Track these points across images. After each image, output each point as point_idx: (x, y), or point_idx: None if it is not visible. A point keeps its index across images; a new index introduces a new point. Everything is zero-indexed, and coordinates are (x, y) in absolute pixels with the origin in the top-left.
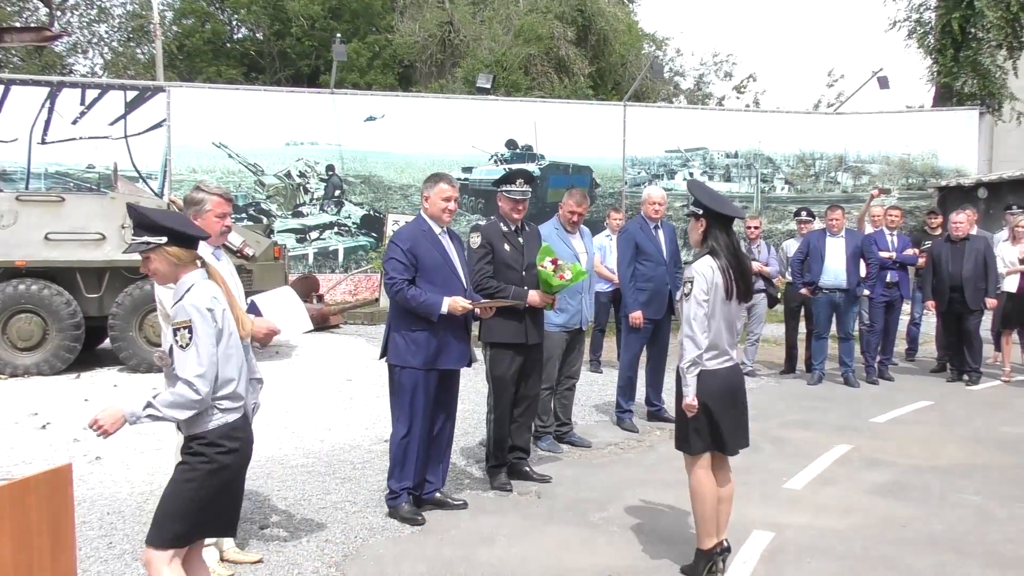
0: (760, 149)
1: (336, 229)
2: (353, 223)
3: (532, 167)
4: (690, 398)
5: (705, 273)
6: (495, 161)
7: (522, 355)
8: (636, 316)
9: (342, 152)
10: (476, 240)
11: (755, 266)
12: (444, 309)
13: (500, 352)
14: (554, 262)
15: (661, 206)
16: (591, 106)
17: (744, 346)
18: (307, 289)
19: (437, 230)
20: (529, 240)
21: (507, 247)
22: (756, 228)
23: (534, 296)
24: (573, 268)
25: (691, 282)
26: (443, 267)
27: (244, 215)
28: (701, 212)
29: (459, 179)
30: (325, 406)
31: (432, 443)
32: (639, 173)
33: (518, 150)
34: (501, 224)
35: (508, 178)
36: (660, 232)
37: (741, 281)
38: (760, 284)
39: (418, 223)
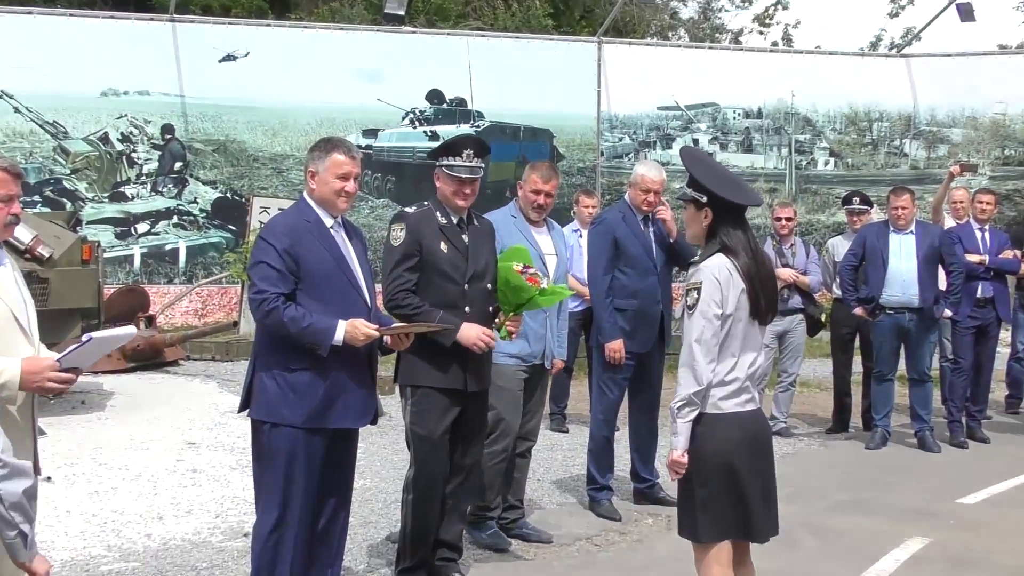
0: (794, 105)
1: (176, 219)
2: (201, 211)
3: (464, 129)
4: (679, 451)
5: (719, 276)
6: (411, 121)
7: (459, 405)
8: (614, 347)
9: (185, 105)
10: (399, 235)
11: (786, 274)
12: (339, 337)
13: (426, 400)
14: (526, 268)
15: (658, 195)
16: (551, 43)
17: (773, 392)
18: (130, 307)
19: (328, 222)
20: (478, 239)
21: (444, 247)
22: (788, 221)
23: (471, 333)
24: (551, 286)
25: (698, 289)
26: (337, 276)
27: (38, 197)
28: (704, 199)
29: (360, 147)
30: (155, 483)
31: (318, 539)
32: (620, 140)
33: (445, 105)
34: (438, 214)
35: (451, 148)
36: (650, 227)
37: (763, 293)
38: (795, 301)
39: (300, 211)
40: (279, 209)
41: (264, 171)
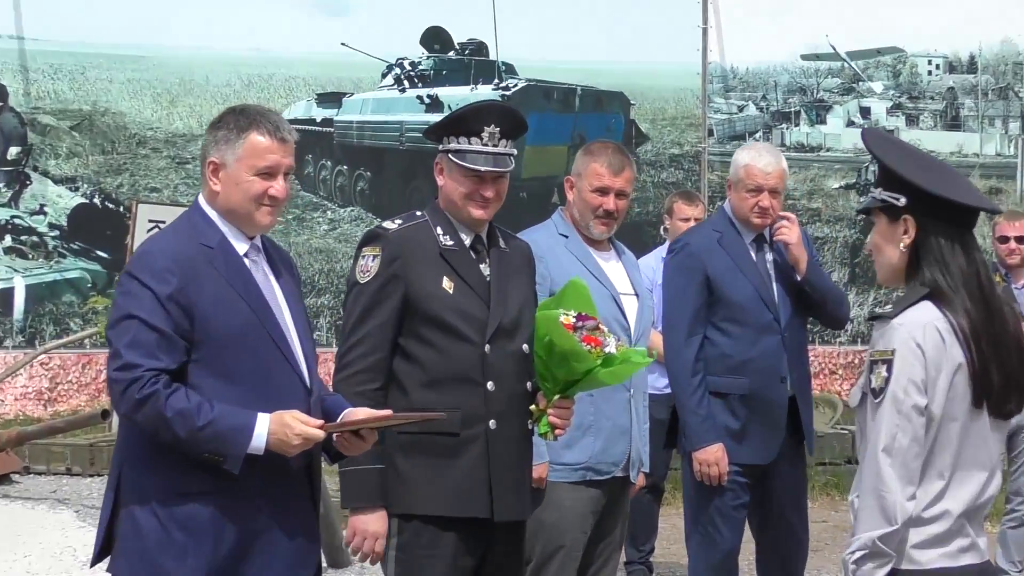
0: None
1: (8, 241)
2: (52, 227)
3: (484, 92)
4: None
5: (924, 342)
6: (397, 80)
7: (480, 547)
8: (708, 457)
9: (25, 53)
10: (369, 266)
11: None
12: (259, 442)
13: (422, 539)
14: (584, 318)
15: (775, 195)
16: None
17: (999, 528)
18: None
19: (242, 247)
20: (507, 271)
21: (448, 285)
22: (1021, 242)
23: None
24: (623, 349)
25: (888, 363)
26: (256, 337)
27: None
28: (903, 201)
29: (311, 123)
30: None
31: None
32: (741, 109)
33: (453, 54)
34: (438, 231)
35: (462, 123)
36: (767, 254)
37: (998, 368)
38: None
39: (193, 229)
40: (154, 222)
41: (155, 161)
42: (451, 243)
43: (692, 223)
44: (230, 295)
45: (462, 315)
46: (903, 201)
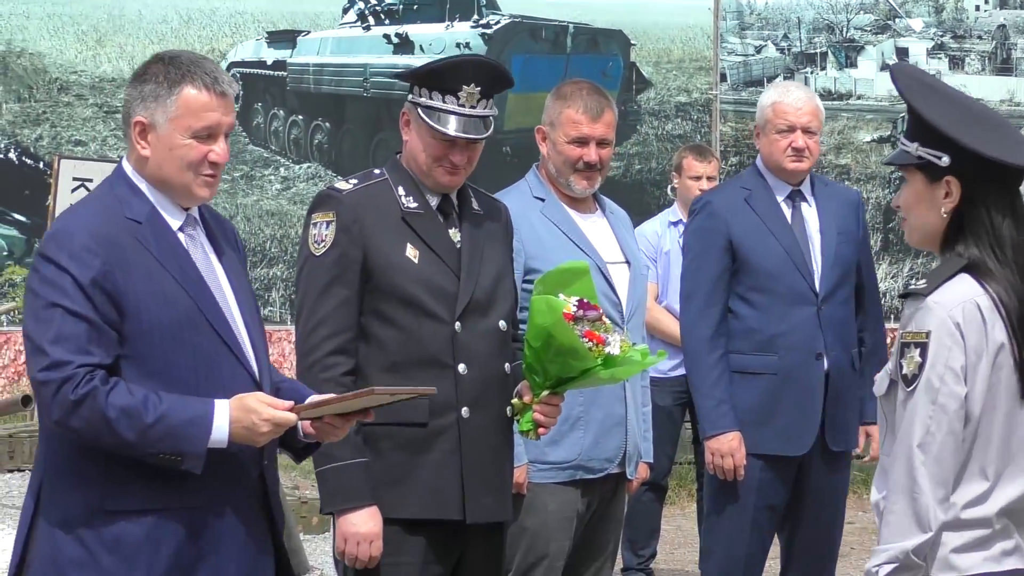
0: None
1: None
2: None
3: (461, 34)
4: None
5: (964, 322)
6: (360, 16)
7: (452, 552)
8: (723, 447)
9: None
10: (323, 234)
11: None
12: (220, 432)
13: (389, 544)
14: (587, 307)
15: (810, 135)
16: None
17: None
18: None
19: (175, 220)
20: (481, 238)
21: (412, 253)
22: None
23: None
24: (626, 347)
25: (922, 346)
26: (195, 326)
27: None
28: (945, 161)
29: (251, 65)
30: None
31: None
32: (759, 50)
33: None
34: (400, 192)
35: (438, 76)
36: (805, 210)
37: None
38: None
39: (117, 200)
40: (79, 180)
41: (80, 110)
42: (415, 205)
43: (704, 182)
44: (163, 279)
45: (429, 288)
46: (946, 160)
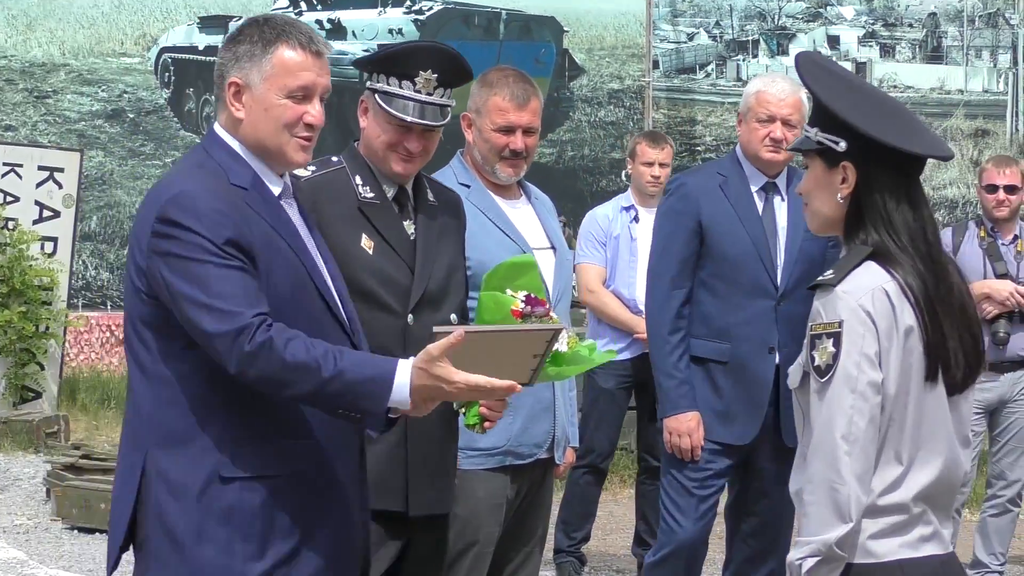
0: None
1: None
2: None
3: (393, 16)
4: None
5: (872, 311)
6: (293, 1)
7: (395, 544)
8: (680, 426)
9: None
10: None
11: (1003, 291)
12: (402, 394)
13: None
14: (534, 303)
15: (790, 128)
16: None
17: (979, 516)
18: None
19: (276, 187)
20: (434, 229)
21: (367, 244)
22: (1012, 192)
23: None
24: (574, 343)
25: (834, 336)
26: (309, 295)
27: None
28: (843, 146)
29: (182, 50)
30: None
31: None
32: (692, 37)
33: None
34: (357, 181)
35: (396, 62)
36: (777, 203)
37: (952, 334)
38: (1021, 343)
39: (221, 165)
40: (46, 170)
41: (10, 95)
42: (371, 195)
43: (657, 168)
44: (279, 244)
45: (383, 280)
46: (843, 146)
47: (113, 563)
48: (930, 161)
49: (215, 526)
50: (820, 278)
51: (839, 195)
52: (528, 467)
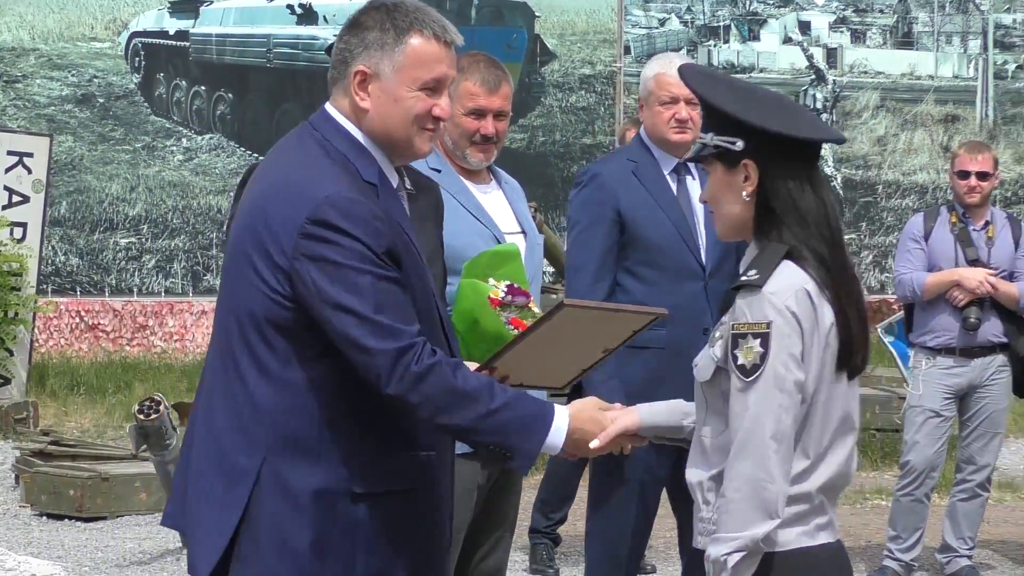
0: None
1: None
2: None
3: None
4: None
5: (798, 312)
6: None
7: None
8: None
9: None
10: None
11: (975, 278)
12: (558, 438)
13: None
14: (516, 292)
15: (693, 106)
16: None
17: (948, 501)
18: None
19: (393, 180)
20: (415, 214)
21: None
22: (983, 179)
23: None
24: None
25: (762, 336)
26: (430, 293)
27: None
28: (740, 145)
29: (152, 35)
30: None
31: None
32: (663, 23)
33: None
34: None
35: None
36: (690, 183)
37: (855, 324)
38: (992, 329)
39: (347, 155)
40: (15, 155)
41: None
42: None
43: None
44: (411, 249)
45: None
46: (740, 145)
47: (209, 571)
48: (896, 148)
49: (340, 540)
50: (744, 278)
51: (744, 193)
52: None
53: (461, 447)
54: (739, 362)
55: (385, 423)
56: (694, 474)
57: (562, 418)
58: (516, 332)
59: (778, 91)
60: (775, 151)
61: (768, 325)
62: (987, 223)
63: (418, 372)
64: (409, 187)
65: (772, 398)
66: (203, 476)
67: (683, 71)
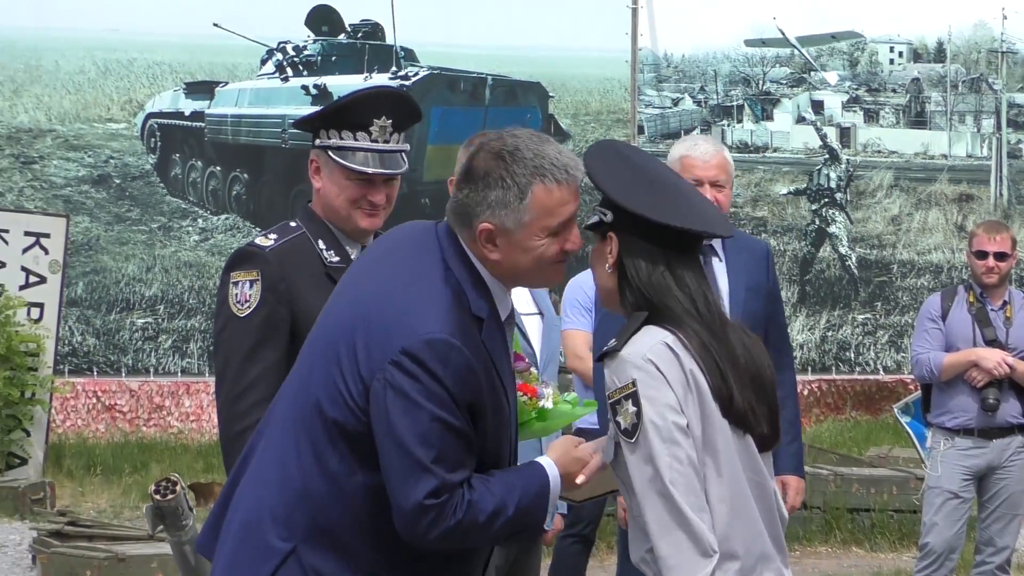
0: (1007, 36)
1: None
2: None
3: (379, 80)
4: None
5: (657, 361)
6: (279, 67)
7: None
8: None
9: None
10: (246, 293)
11: (992, 359)
12: (556, 485)
13: None
14: (515, 359)
15: (719, 188)
16: None
17: None
18: None
19: (504, 309)
20: None
21: None
22: (1002, 260)
23: None
24: (557, 396)
25: (631, 396)
26: (506, 419)
27: None
28: (609, 217)
29: (168, 116)
30: None
31: None
32: (676, 103)
33: (344, 37)
34: (320, 245)
35: (345, 114)
36: (716, 265)
37: (745, 389)
38: (1011, 411)
39: (464, 287)
40: (32, 235)
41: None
42: (337, 259)
43: None
44: (497, 386)
45: None
46: (609, 217)
47: None
48: (910, 227)
49: None
50: (606, 348)
51: (607, 265)
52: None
53: None
54: (622, 427)
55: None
56: (635, 552)
57: (553, 470)
58: (525, 397)
59: (690, 183)
60: (634, 229)
61: (633, 383)
62: (1005, 303)
63: (454, 523)
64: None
65: (659, 448)
66: (235, 540)
67: (588, 152)
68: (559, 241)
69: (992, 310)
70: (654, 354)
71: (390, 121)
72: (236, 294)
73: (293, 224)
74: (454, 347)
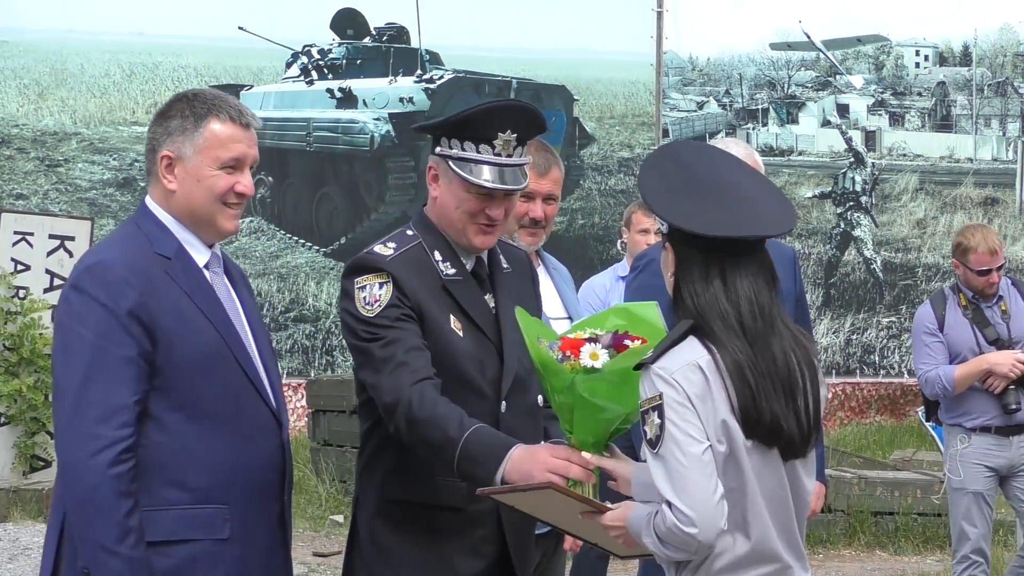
0: None
1: None
2: None
3: (406, 84)
4: None
5: (689, 387)
6: (304, 71)
7: None
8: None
9: None
10: (375, 291)
11: (1006, 363)
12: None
13: None
14: (573, 346)
15: None
16: None
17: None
18: None
19: (202, 257)
20: (513, 296)
21: (455, 324)
22: (1000, 269)
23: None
24: (596, 355)
25: (657, 408)
26: (224, 361)
27: None
28: (665, 227)
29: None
30: None
31: None
32: (701, 106)
33: (368, 40)
34: (436, 256)
35: (471, 125)
36: None
37: (779, 399)
38: None
39: (146, 236)
40: (57, 238)
41: (21, 163)
42: (453, 271)
43: (652, 236)
44: (194, 314)
45: (475, 364)
46: (665, 227)
47: None
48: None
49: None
50: (643, 359)
51: (669, 273)
52: (542, 537)
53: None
54: (647, 436)
55: None
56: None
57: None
58: (562, 355)
59: (759, 178)
60: (683, 239)
61: (660, 396)
62: (1000, 297)
63: (107, 465)
64: (506, 266)
65: (674, 455)
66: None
67: (646, 159)
68: (231, 179)
69: (987, 307)
70: (682, 375)
71: (515, 135)
72: (364, 296)
73: (410, 232)
74: (107, 263)
